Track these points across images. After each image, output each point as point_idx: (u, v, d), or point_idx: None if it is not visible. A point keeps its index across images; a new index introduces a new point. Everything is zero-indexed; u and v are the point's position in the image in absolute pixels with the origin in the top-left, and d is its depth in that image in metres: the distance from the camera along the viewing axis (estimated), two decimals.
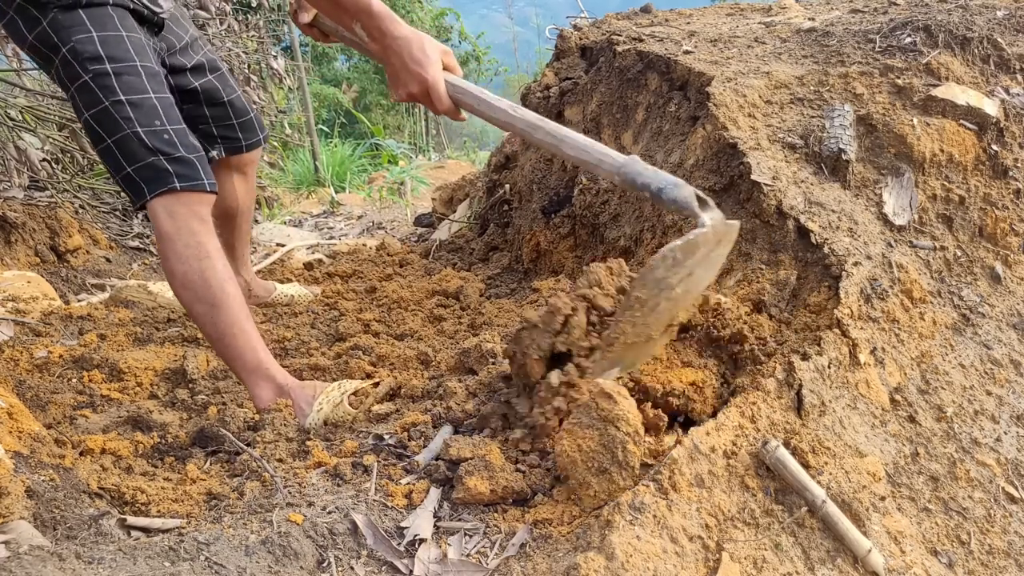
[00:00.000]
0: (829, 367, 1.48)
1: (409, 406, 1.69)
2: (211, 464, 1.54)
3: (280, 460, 1.49)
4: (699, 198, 1.37)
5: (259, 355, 1.68)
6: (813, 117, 2.02)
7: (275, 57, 5.60)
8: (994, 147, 1.98)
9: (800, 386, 1.42)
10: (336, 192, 6.29)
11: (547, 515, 1.29)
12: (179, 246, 1.64)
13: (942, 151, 1.94)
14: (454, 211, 3.91)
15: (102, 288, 2.91)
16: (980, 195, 1.94)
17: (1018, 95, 2.06)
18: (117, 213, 3.78)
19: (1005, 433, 1.61)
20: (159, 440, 1.61)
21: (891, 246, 1.78)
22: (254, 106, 2.31)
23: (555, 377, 1.39)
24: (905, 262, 1.76)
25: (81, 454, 1.53)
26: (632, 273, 1.51)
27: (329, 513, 1.27)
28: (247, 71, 4.86)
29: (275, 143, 6.77)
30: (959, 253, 1.87)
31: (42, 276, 2.72)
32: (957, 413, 1.60)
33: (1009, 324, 1.80)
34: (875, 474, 1.41)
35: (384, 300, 2.55)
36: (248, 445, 1.54)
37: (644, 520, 1.17)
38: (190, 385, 1.90)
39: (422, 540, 1.24)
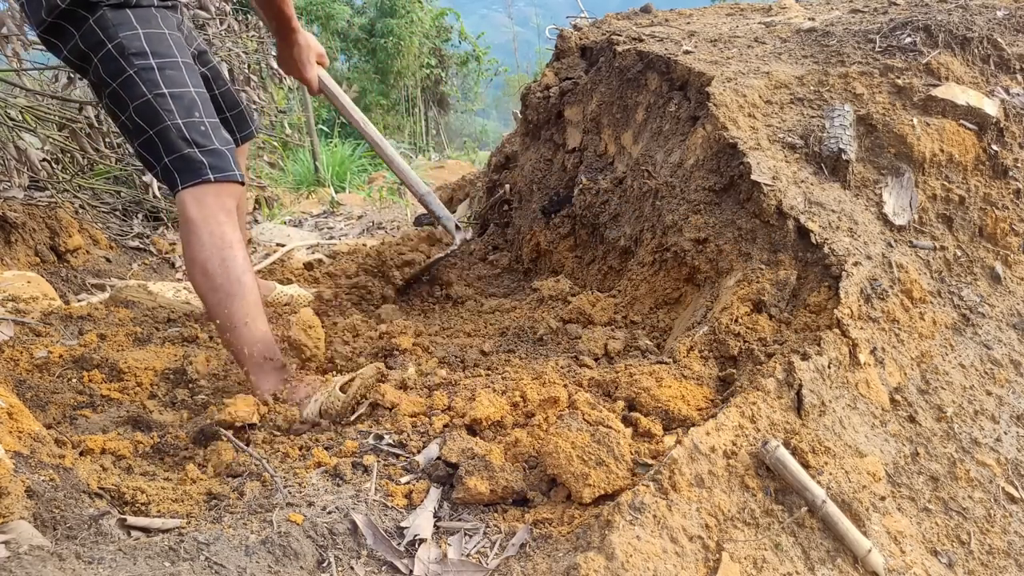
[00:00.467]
0: (829, 367, 1.48)
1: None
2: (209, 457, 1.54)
3: (280, 460, 1.49)
4: (456, 224, 2.59)
5: (265, 348, 1.71)
6: (813, 117, 2.02)
7: (275, 57, 5.58)
8: (994, 147, 1.98)
9: (800, 386, 1.42)
10: (336, 192, 6.30)
11: (547, 515, 1.29)
12: (203, 234, 1.69)
13: (942, 151, 1.94)
14: (454, 211, 3.92)
15: (102, 288, 2.91)
16: (980, 195, 1.94)
17: (1018, 95, 2.06)
18: (117, 213, 3.78)
19: (1005, 433, 1.61)
20: (159, 440, 1.61)
21: (891, 246, 1.78)
22: (252, 105, 2.40)
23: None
24: (905, 262, 1.76)
25: (81, 454, 1.52)
26: None
27: (329, 513, 1.27)
28: (247, 71, 4.86)
29: (275, 143, 6.77)
30: (959, 253, 1.87)
31: (42, 276, 2.72)
32: (957, 413, 1.60)
33: (1009, 324, 1.80)
34: (875, 474, 1.41)
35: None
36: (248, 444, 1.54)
37: (644, 520, 1.17)
38: (190, 385, 1.90)
39: (422, 540, 1.24)
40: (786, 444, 1.34)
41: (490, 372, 1.81)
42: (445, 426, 1.53)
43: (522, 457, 1.43)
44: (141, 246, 3.51)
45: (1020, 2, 2.41)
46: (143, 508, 1.35)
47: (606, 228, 2.43)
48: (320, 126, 9.34)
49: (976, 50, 2.13)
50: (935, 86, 2.02)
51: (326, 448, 1.52)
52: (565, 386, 1.64)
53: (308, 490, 1.36)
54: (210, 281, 1.69)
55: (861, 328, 1.57)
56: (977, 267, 1.86)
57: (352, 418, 1.63)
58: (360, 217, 5.12)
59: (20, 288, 2.49)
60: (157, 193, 3.65)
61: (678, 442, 1.31)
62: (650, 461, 1.36)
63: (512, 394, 1.59)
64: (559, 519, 1.27)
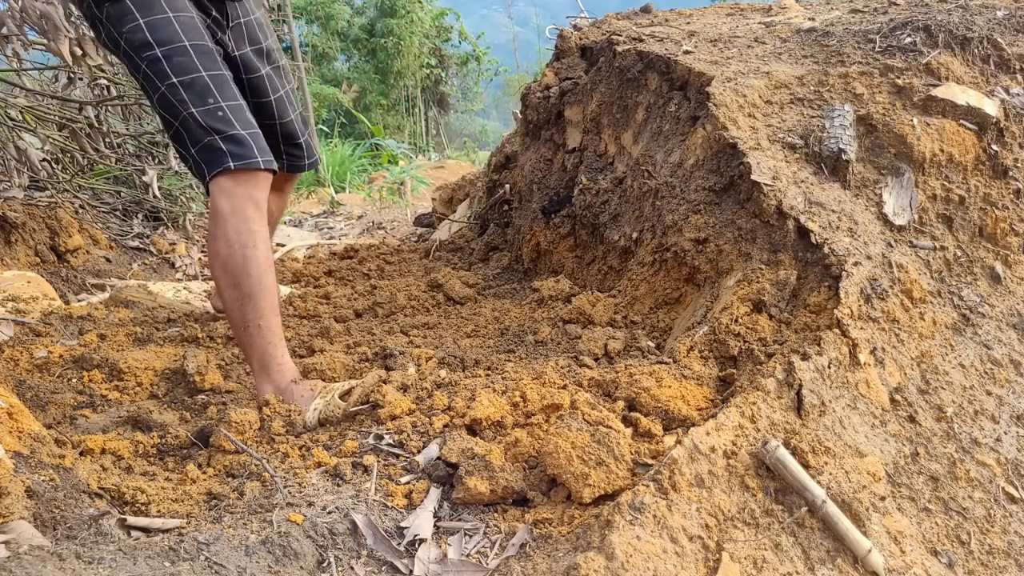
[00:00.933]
0: (829, 367, 1.48)
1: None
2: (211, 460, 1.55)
3: (280, 460, 1.49)
4: None
5: (275, 351, 1.70)
6: (813, 117, 2.02)
7: None
8: (994, 147, 1.98)
9: (800, 386, 1.42)
10: (336, 192, 6.30)
11: (547, 515, 1.29)
12: (230, 230, 1.65)
13: (942, 151, 1.94)
14: (454, 211, 3.92)
15: (102, 288, 2.91)
16: (980, 195, 1.94)
17: (1018, 95, 2.06)
18: (117, 213, 3.78)
19: (1005, 433, 1.61)
20: (159, 440, 1.61)
21: (891, 246, 1.78)
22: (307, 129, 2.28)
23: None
24: (905, 262, 1.76)
25: (81, 454, 1.52)
26: None
27: (329, 513, 1.27)
28: None
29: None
30: (959, 253, 1.87)
31: (42, 276, 2.72)
32: (957, 413, 1.60)
33: (1009, 324, 1.80)
34: (875, 474, 1.41)
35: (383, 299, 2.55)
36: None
37: (644, 520, 1.17)
38: (190, 385, 1.90)
39: (422, 540, 1.24)
40: (786, 444, 1.34)
41: (490, 372, 1.81)
42: (445, 426, 1.53)
43: (522, 457, 1.43)
44: (141, 246, 3.51)
45: (1020, 2, 2.41)
46: (143, 508, 1.35)
47: (606, 228, 2.43)
48: (320, 126, 9.34)
49: (976, 50, 2.13)
50: (935, 86, 2.02)
51: (326, 448, 1.52)
52: (564, 387, 1.64)
53: (308, 490, 1.36)
54: (230, 278, 1.67)
55: (861, 328, 1.57)
56: (977, 267, 1.86)
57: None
58: (360, 217, 5.12)
59: (20, 288, 2.49)
60: (157, 193, 3.65)
61: (678, 442, 1.31)
62: (650, 461, 1.36)
63: (512, 394, 1.59)
64: (559, 519, 1.27)
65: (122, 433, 1.65)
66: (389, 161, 7.61)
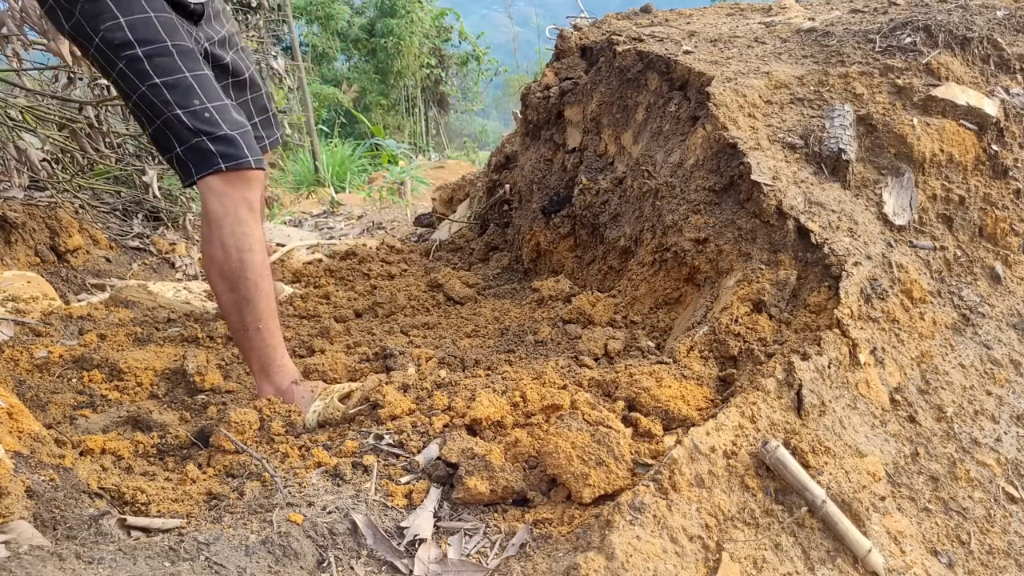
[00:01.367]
0: (829, 367, 1.48)
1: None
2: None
3: (280, 460, 1.49)
4: None
5: (275, 353, 1.70)
6: (813, 117, 2.02)
7: (275, 57, 5.59)
8: (994, 147, 1.98)
9: (800, 386, 1.42)
10: (336, 192, 6.30)
11: (547, 515, 1.29)
12: (224, 233, 1.63)
13: (942, 151, 1.94)
14: (454, 211, 3.92)
15: (102, 288, 2.91)
16: (980, 195, 1.94)
17: (1018, 95, 2.06)
18: (117, 213, 3.78)
19: (1005, 433, 1.61)
20: (159, 440, 1.61)
21: (891, 246, 1.78)
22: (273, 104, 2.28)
23: None
24: (905, 262, 1.76)
25: (81, 454, 1.52)
26: None
27: (329, 513, 1.27)
28: None
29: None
30: (959, 253, 1.87)
31: (42, 276, 2.72)
32: (957, 413, 1.60)
33: (1009, 324, 1.80)
34: (875, 474, 1.41)
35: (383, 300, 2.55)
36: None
37: (644, 520, 1.17)
38: (190, 385, 1.90)
39: (422, 540, 1.24)
40: (786, 444, 1.34)
41: (490, 372, 1.81)
42: (445, 426, 1.53)
43: (522, 457, 1.43)
44: (141, 246, 3.51)
45: (1020, 2, 2.41)
46: (143, 508, 1.35)
47: (606, 228, 2.43)
48: (320, 126, 9.34)
49: (976, 50, 2.13)
50: (935, 86, 2.02)
51: (326, 448, 1.52)
52: (564, 387, 1.64)
53: (308, 490, 1.36)
54: (227, 282, 1.65)
55: (861, 328, 1.57)
56: (977, 267, 1.86)
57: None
58: (360, 217, 5.12)
59: (20, 288, 2.49)
60: (157, 193, 3.65)
61: (678, 442, 1.31)
62: (650, 461, 1.36)
63: (512, 394, 1.59)
64: (559, 519, 1.27)
65: (122, 433, 1.65)
66: (389, 161, 7.62)
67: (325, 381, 1.83)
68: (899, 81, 2.04)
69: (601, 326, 2.05)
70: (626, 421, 1.50)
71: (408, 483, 1.39)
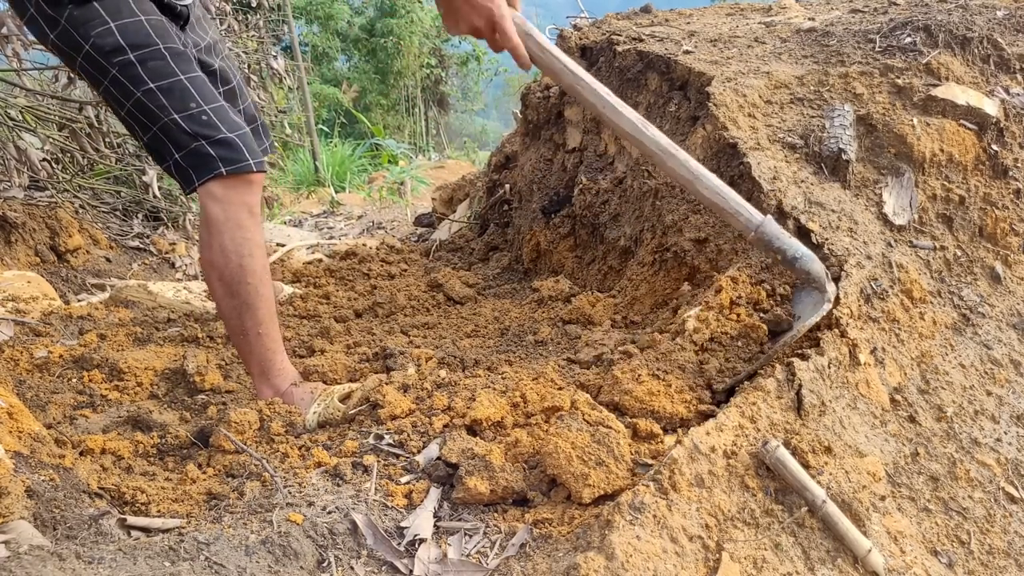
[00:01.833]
0: (829, 367, 1.48)
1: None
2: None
3: (280, 460, 1.49)
4: (827, 273, 1.52)
5: (275, 357, 1.70)
6: (813, 117, 2.02)
7: (275, 57, 5.60)
8: (994, 147, 1.98)
9: (800, 386, 1.42)
10: (336, 192, 6.30)
11: (547, 515, 1.29)
12: (225, 239, 1.61)
13: (942, 151, 1.94)
14: (454, 211, 3.92)
15: (102, 288, 2.91)
16: (980, 195, 1.94)
17: (1018, 95, 2.06)
18: (117, 213, 3.78)
19: (1005, 433, 1.61)
20: (159, 440, 1.61)
21: (891, 246, 1.78)
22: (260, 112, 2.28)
23: None
24: (905, 262, 1.76)
25: (81, 454, 1.52)
26: None
27: (329, 513, 1.27)
28: (247, 71, 4.86)
29: (275, 143, 6.76)
30: (959, 253, 1.87)
31: (42, 276, 2.72)
32: (957, 413, 1.60)
33: (1009, 324, 1.80)
34: (875, 474, 1.41)
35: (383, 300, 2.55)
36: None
37: (644, 520, 1.17)
38: (190, 385, 1.90)
39: (422, 540, 1.24)
40: (786, 444, 1.34)
41: (490, 372, 1.81)
42: (445, 426, 1.53)
43: (522, 457, 1.43)
44: (141, 246, 3.51)
45: (1020, 2, 2.41)
46: (143, 508, 1.35)
47: (606, 228, 2.43)
48: (320, 126, 9.34)
49: (976, 50, 2.13)
50: (935, 86, 2.02)
51: (326, 448, 1.52)
52: (561, 389, 1.64)
53: (308, 490, 1.36)
54: (226, 288, 1.64)
55: (861, 328, 1.57)
56: (977, 267, 1.86)
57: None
58: (360, 217, 5.12)
59: (20, 288, 2.49)
60: (157, 193, 3.65)
61: (678, 442, 1.31)
62: (650, 461, 1.36)
63: (512, 394, 1.59)
64: (559, 519, 1.27)
65: (122, 433, 1.65)
66: (389, 161, 7.62)
67: (325, 382, 1.83)
68: (899, 81, 2.04)
69: (601, 326, 2.05)
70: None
71: (408, 483, 1.39)
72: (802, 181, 1.85)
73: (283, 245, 3.74)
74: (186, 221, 3.81)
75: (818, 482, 1.30)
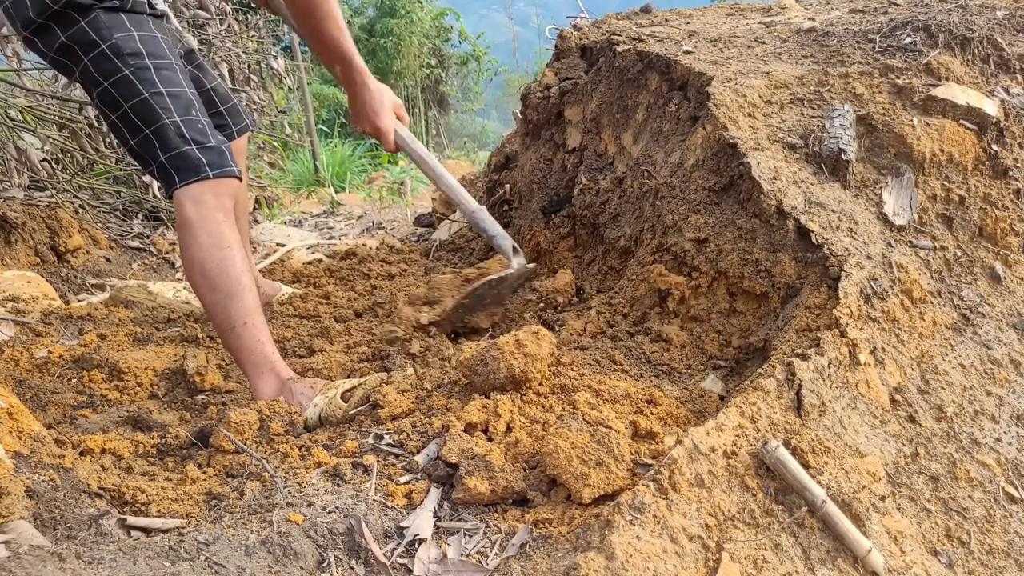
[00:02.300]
0: (829, 367, 1.48)
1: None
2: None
3: (280, 460, 1.49)
4: (514, 248, 2.13)
5: (265, 349, 1.71)
6: (813, 117, 2.02)
7: (275, 57, 5.60)
8: (994, 147, 1.98)
9: (800, 386, 1.42)
10: (336, 192, 6.30)
11: (547, 515, 1.29)
12: (202, 235, 1.68)
13: (942, 151, 1.94)
14: (454, 211, 3.91)
15: (102, 288, 2.91)
16: (980, 195, 1.94)
17: (1018, 95, 2.06)
18: (117, 213, 3.78)
19: (1005, 433, 1.61)
20: (159, 440, 1.61)
21: (891, 246, 1.78)
22: (252, 105, 2.39)
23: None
24: (905, 262, 1.76)
25: (81, 454, 1.52)
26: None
27: (329, 513, 1.27)
28: (247, 71, 4.86)
29: (275, 143, 6.77)
30: (959, 253, 1.87)
31: (42, 276, 2.72)
32: (957, 413, 1.60)
33: (1009, 324, 1.80)
34: (875, 474, 1.41)
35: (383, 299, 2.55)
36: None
37: (644, 520, 1.17)
38: (190, 385, 1.90)
39: (422, 540, 1.24)
40: (786, 444, 1.34)
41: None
42: (444, 426, 1.53)
43: (522, 457, 1.43)
44: (141, 246, 3.51)
45: (1020, 2, 2.42)
46: (143, 508, 1.35)
47: (606, 228, 2.43)
48: (320, 126, 9.34)
49: (976, 50, 2.13)
50: (935, 86, 2.02)
51: (326, 448, 1.52)
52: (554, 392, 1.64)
53: (308, 490, 1.36)
54: (208, 282, 1.69)
55: (861, 328, 1.57)
56: (977, 267, 1.86)
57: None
58: (360, 217, 5.12)
59: (20, 288, 2.49)
60: (157, 193, 3.65)
61: (678, 442, 1.31)
62: (650, 461, 1.36)
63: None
64: (559, 519, 1.27)
65: (122, 433, 1.65)
66: (389, 161, 7.62)
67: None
68: (899, 81, 2.04)
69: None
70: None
71: (408, 483, 1.39)
72: (802, 181, 1.85)
73: (283, 245, 3.74)
74: None
75: (818, 482, 1.30)
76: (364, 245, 3.43)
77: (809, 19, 2.66)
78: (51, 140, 3.38)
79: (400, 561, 1.21)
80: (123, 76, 1.71)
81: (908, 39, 2.16)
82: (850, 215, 1.79)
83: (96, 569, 1.08)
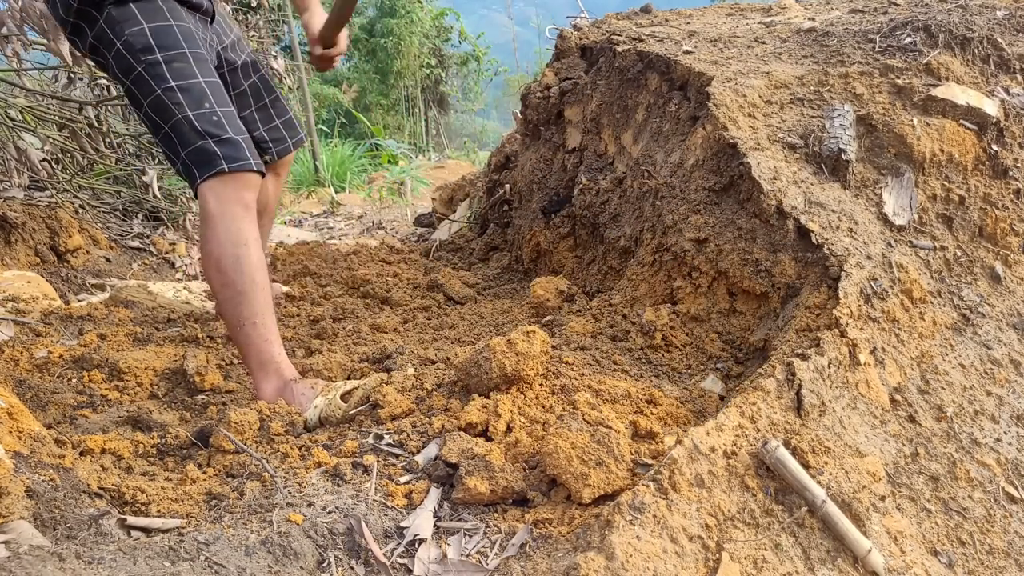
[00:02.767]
0: (829, 367, 1.48)
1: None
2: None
3: (280, 460, 1.49)
4: None
5: (272, 348, 1.71)
6: (813, 117, 2.02)
7: (275, 57, 5.59)
8: (994, 147, 1.98)
9: (800, 386, 1.42)
10: (336, 192, 6.30)
11: (547, 515, 1.29)
12: (220, 230, 1.68)
13: (942, 151, 1.94)
14: (454, 211, 3.92)
15: (102, 288, 2.91)
16: (980, 195, 1.94)
17: (1018, 95, 2.06)
18: (117, 213, 3.78)
19: (1005, 433, 1.61)
20: (159, 440, 1.61)
21: (891, 246, 1.78)
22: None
23: None
24: (905, 262, 1.76)
25: (81, 454, 1.52)
26: None
27: (329, 513, 1.27)
28: None
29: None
30: (959, 253, 1.87)
31: (42, 276, 2.72)
32: (957, 413, 1.60)
33: (1009, 324, 1.80)
34: (875, 474, 1.41)
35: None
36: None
37: (644, 520, 1.17)
38: (190, 385, 1.89)
39: (422, 540, 1.24)
40: (786, 444, 1.34)
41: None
42: (444, 426, 1.53)
43: (522, 457, 1.43)
44: (141, 246, 3.51)
45: (1020, 2, 2.42)
46: (143, 508, 1.35)
47: (606, 228, 2.43)
48: (320, 126, 9.35)
49: (976, 50, 2.13)
50: (935, 86, 2.02)
51: (326, 448, 1.52)
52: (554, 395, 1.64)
53: (308, 490, 1.36)
54: (223, 277, 1.69)
55: (861, 328, 1.57)
56: (977, 267, 1.86)
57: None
58: (360, 217, 5.12)
59: (20, 288, 2.49)
60: (157, 193, 3.65)
61: (678, 442, 1.31)
62: (650, 461, 1.36)
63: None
64: (559, 519, 1.27)
65: (122, 433, 1.65)
66: (389, 161, 7.62)
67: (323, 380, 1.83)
68: (899, 81, 2.04)
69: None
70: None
71: (408, 483, 1.39)
72: (802, 181, 1.85)
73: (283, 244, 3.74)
74: (186, 221, 3.81)
75: (818, 482, 1.30)
76: (364, 245, 3.43)
77: (809, 19, 2.66)
78: (51, 140, 3.38)
79: (400, 561, 1.21)
80: (138, 74, 1.70)
81: (908, 39, 2.16)
82: (850, 215, 1.80)
83: (96, 569, 1.08)
